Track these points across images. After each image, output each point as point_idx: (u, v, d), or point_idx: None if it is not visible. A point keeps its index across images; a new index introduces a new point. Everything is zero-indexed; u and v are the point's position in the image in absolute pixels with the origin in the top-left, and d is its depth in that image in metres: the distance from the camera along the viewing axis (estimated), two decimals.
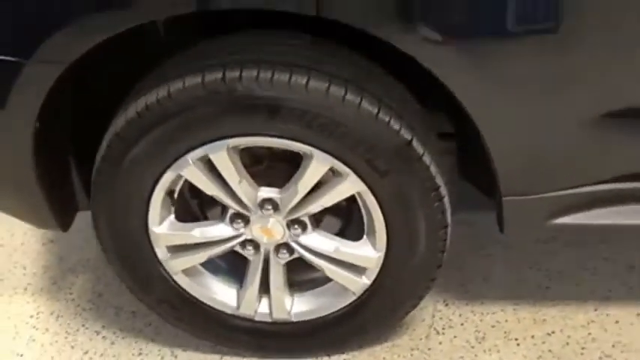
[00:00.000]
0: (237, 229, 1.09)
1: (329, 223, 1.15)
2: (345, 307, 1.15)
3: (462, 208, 1.11)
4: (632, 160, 0.99)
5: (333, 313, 1.16)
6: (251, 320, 1.19)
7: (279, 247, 1.11)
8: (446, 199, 1.03)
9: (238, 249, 1.12)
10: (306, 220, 1.08)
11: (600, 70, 0.89)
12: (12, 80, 0.93)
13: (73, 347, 1.34)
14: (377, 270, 1.09)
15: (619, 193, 1.01)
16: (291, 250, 1.11)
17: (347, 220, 1.16)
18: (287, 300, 1.16)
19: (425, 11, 0.86)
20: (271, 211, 1.06)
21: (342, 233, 1.16)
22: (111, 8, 0.90)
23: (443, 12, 0.86)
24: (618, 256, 1.44)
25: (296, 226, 1.08)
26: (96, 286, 1.46)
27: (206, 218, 1.18)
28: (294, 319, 1.18)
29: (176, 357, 1.30)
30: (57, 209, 1.13)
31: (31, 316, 1.42)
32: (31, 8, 0.90)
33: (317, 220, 1.12)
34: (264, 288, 1.16)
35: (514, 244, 1.47)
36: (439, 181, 1.00)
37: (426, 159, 0.98)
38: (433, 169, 0.99)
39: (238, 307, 1.18)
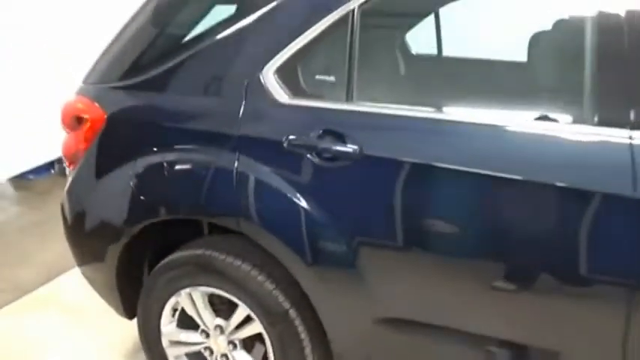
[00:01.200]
0: (203, 338, 1.93)
1: (258, 349, 1.94)
2: None
3: None
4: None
5: None
6: None
7: (223, 354, 1.91)
8: (307, 346, 1.76)
9: (202, 351, 1.95)
10: (237, 342, 1.88)
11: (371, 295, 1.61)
12: (114, 240, 1.93)
13: None
14: None
15: None
16: (228, 358, 1.91)
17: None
18: None
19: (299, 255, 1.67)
20: (219, 333, 1.88)
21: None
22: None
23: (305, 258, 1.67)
24: None
25: (231, 345, 1.88)
26: None
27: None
28: None
29: None
30: (126, 306, 2.08)
31: None
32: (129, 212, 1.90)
33: (249, 344, 1.91)
34: None
35: None
36: (302, 331, 1.74)
37: (297, 321, 1.74)
38: (300, 326, 1.74)
39: None
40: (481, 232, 1.48)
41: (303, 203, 1.61)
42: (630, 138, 1.33)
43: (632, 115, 1.34)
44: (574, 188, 1.36)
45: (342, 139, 1.57)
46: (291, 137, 1.62)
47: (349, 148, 1.56)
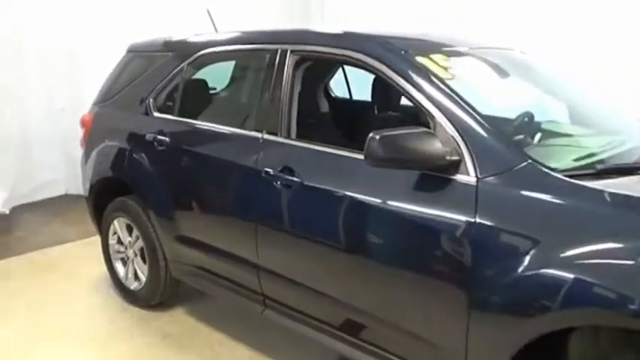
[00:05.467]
0: (124, 249, 3.36)
1: None
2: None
3: None
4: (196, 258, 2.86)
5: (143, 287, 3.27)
6: (126, 287, 3.38)
7: (132, 260, 3.31)
8: (159, 255, 3.06)
9: (125, 257, 3.37)
10: (137, 251, 3.26)
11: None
12: (90, 191, 3.46)
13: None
14: (147, 274, 3.18)
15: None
16: (133, 263, 3.31)
17: None
18: (135, 281, 3.33)
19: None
20: (130, 246, 3.29)
21: None
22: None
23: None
24: None
25: (134, 254, 3.28)
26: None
27: None
28: (136, 289, 3.32)
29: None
30: (99, 228, 3.58)
31: None
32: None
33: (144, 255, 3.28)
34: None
35: None
36: (157, 246, 3.06)
37: (155, 240, 3.07)
38: (157, 243, 3.06)
39: (124, 279, 3.40)
40: (215, 185, 2.69)
41: (151, 172, 2.97)
42: (262, 138, 2.45)
43: (263, 127, 2.46)
44: (234, 161, 2.53)
45: (165, 135, 2.90)
46: (149, 134, 2.99)
47: (166, 140, 2.88)
